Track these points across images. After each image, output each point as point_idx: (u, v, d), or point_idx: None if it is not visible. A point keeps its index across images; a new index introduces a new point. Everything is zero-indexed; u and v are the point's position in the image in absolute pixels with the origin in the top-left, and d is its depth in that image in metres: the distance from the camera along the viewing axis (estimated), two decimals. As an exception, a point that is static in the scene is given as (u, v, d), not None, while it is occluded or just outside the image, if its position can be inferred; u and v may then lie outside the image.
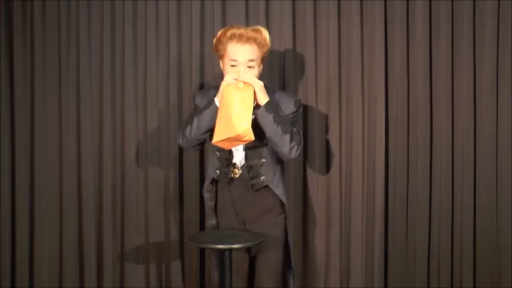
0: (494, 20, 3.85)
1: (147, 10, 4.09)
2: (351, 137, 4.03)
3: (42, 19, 4.14)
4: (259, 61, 3.47)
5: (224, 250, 3.46)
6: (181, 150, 4.11)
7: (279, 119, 3.39)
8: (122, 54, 4.12)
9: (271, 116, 3.38)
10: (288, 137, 3.40)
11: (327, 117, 4.04)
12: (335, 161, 4.04)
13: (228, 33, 3.43)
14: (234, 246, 3.40)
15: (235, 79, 3.37)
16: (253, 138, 3.32)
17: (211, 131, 3.45)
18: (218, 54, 3.52)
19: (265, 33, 3.46)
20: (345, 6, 3.97)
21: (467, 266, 3.95)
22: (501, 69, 3.87)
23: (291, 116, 3.49)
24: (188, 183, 4.12)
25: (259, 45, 3.43)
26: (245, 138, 3.31)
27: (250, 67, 3.43)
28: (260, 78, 3.49)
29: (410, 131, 3.98)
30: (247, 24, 4.02)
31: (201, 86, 4.08)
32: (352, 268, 4.06)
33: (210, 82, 4.07)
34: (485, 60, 3.87)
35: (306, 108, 4.03)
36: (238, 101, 3.31)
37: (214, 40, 3.49)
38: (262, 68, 3.53)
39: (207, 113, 3.44)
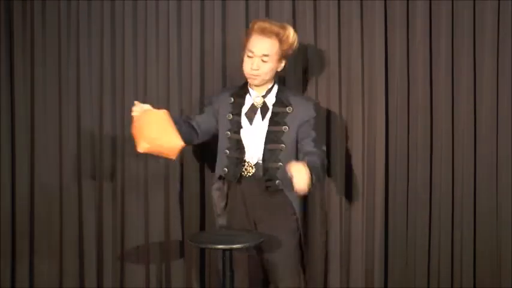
0: (494, 20, 3.84)
1: (147, 10, 4.09)
2: (351, 136, 4.02)
3: (42, 19, 4.15)
4: (277, 57, 3.50)
5: (224, 250, 3.46)
6: (181, 150, 4.10)
7: (318, 175, 3.40)
8: (122, 54, 4.12)
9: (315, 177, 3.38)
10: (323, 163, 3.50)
11: (327, 117, 4.03)
12: (335, 161, 4.03)
13: (255, 26, 3.51)
14: (234, 246, 3.40)
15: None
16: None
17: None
18: (244, 46, 3.57)
19: (290, 31, 3.50)
20: (345, 6, 3.97)
21: (467, 265, 3.95)
22: (501, 69, 3.87)
23: (312, 122, 3.53)
24: (189, 182, 4.12)
25: (281, 41, 3.48)
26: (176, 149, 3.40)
27: (264, 61, 3.48)
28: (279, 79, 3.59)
29: (410, 131, 3.98)
30: (247, 24, 4.01)
31: (202, 87, 4.07)
32: (352, 268, 4.06)
33: (210, 82, 4.07)
34: (485, 60, 3.87)
35: (306, 108, 4.03)
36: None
37: (246, 34, 3.57)
38: (286, 65, 3.58)
39: None
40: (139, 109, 3.45)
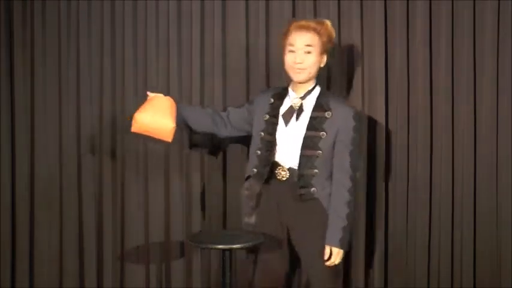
0: (494, 20, 3.84)
1: (147, 10, 4.09)
2: (351, 137, 4.02)
3: (42, 19, 4.15)
4: (319, 49, 3.45)
5: (224, 250, 3.46)
6: (182, 149, 4.11)
7: (349, 223, 3.43)
8: (122, 54, 4.13)
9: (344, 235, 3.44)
10: (353, 199, 3.44)
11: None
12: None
13: (292, 26, 3.48)
14: (234, 246, 3.40)
15: None
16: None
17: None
18: (282, 47, 3.53)
19: (327, 23, 3.48)
20: (345, 6, 3.97)
21: (467, 265, 3.95)
22: (501, 69, 3.87)
23: (351, 133, 3.42)
24: (190, 182, 4.12)
25: (319, 33, 3.44)
26: (167, 131, 3.51)
27: (307, 52, 3.44)
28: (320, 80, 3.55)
29: (410, 131, 3.98)
30: (248, 24, 4.02)
31: (202, 87, 4.08)
32: (352, 268, 4.06)
33: (210, 82, 4.07)
34: (485, 60, 3.87)
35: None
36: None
37: (282, 35, 3.53)
38: (327, 61, 3.52)
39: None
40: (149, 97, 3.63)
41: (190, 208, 4.13)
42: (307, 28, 3.44)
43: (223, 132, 3.71)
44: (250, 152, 3.59)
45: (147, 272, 4.18)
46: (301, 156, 3.44)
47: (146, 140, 4.12)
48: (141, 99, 4.10)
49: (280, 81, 4.02)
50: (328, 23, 3.49)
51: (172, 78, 4.10)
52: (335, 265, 3.46)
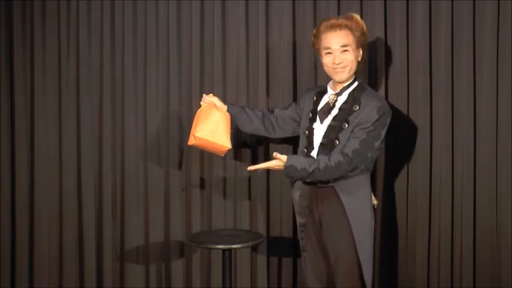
0: (494, 20, 3.84)
1: (147, 10, 4.10)
2: (351, 137, 4.02)
3: (42, 19, 4.16)
4: (354, 45, 3.45)
5: (224, 250, 3.46)
6: (181, 149, 4.11)
7: (306, 174, 3.36)
8: (122, 54, 4.13)
9: (296, 175, 3.39)
10: (333, 172, 3.35)
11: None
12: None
13: (322, 27, 3.47)
14: (234, 246, 3.40)
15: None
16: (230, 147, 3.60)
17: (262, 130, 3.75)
18: (315, 48, 3.53)
19: (356, 17, 3.47)
20: (345, 6, 3.97)
21: (467, 266, 3.95)
22: (501, 69, 3.87)
23: (369, 125, 3.36)
24: (189, 182, 4.12)
25: (351, 29, 3.44)
26: (223, 151, 3.62)
27: (345, 51, 3.43)
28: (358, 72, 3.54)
29: (410, 131, 3.98)
30: (247, 23, 4.02)
31: (201, 87, 4.08)
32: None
33: (210, 82, 4.07)
34: (485, 60, 3.87)
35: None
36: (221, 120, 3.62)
37: (312, 37, 3.52)
38: (363, 54, 3.51)
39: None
40: (207, 101, 3.65)
41: (190, 208, 4.13)
42: (338, 26, 3.44)
43: (272, 135, 3.76)
44: (298, 150, 3.59)
45: (147, 272, 4.19)
46: (320, 146, 3.44)
47: (146, 137, 4.13)
48: (141, 100, 4.13)
49: (280, 82, 4.03)
50: (357, 17, 3.49)
51: (172, 79, 4.10)
52: (359, 266, 3.42)
